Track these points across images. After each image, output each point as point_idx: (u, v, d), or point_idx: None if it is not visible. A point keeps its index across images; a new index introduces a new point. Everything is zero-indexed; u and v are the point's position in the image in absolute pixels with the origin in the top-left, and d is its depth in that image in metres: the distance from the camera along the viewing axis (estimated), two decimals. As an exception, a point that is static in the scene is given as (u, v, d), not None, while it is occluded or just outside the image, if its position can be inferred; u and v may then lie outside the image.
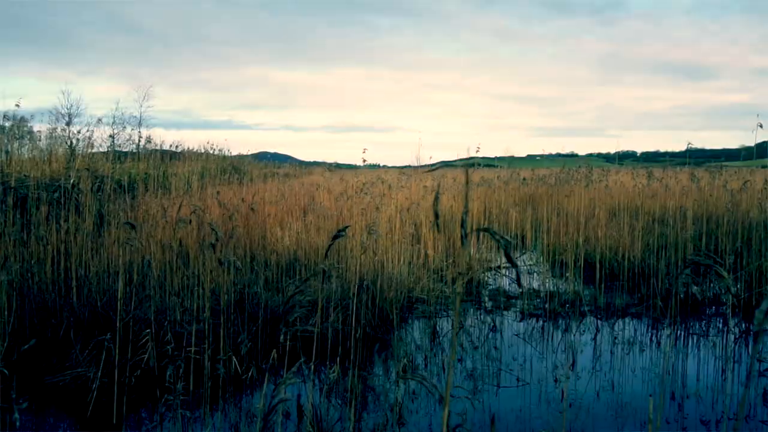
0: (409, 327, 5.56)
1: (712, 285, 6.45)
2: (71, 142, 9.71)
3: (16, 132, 22.72)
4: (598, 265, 7.08)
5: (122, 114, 15.29)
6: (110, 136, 12.78)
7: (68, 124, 10.35)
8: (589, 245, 7.76)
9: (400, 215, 6.78)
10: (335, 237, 2.64)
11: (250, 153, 27.75)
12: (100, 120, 12.06)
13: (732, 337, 5.27)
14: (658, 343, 5.11)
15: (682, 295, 6.15)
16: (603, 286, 6.69)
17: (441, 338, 5.27)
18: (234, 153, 21.73)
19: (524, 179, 13.73)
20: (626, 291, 6.65)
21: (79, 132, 10.42)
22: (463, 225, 1.02)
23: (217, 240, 3.26)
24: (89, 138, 12.12)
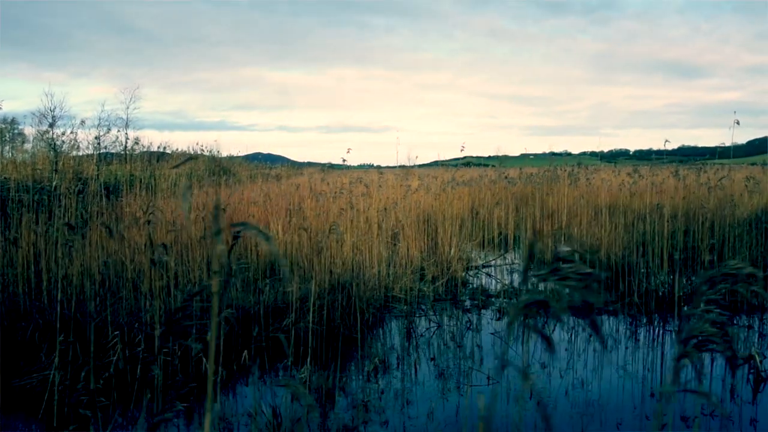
0: (386, 326, 5.56)
1: (690, 281, 6.46)
2: (54, 145, 9.65)
3: (6, 134, 22.65)
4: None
5: (108, 116, 15.26)
6: (96, 138, 12.73)
7: (51, 126, 10.33)
8: (570, 243, 7.78)
9: (378, 215, 6.78)
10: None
11: (243, 154, 27.75)
12: (83, 122, 12.01)
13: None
14: (634, 340, 5.13)
15: (660, 292, 6.17)
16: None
17: (417, 338, 5.27)
18: (227, 154, 21.71)
19: (507, 177, 13.75)
20: (606, 289, 6.66)
21: (63, 134, 10.36)
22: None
23: (155, 255, 3.23)
24: (75, 140, 12.09)
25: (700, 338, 0.87)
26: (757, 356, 4.13)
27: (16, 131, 21.36)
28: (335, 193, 8.68)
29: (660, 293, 6.15)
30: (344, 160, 8.03)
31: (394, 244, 7.15)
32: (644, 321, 5.67)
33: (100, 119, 13.41)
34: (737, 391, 3.96)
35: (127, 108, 13.94)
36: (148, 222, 4.55)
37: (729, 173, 9.92)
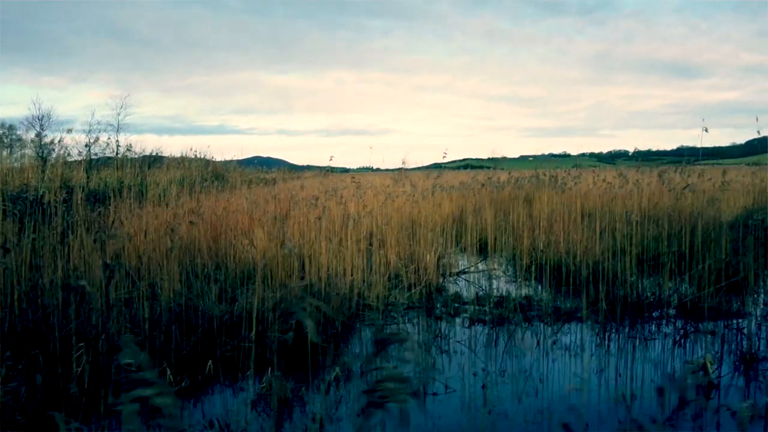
0: (356, 335, 5.63)
1: (660, 287, 6.53)
2: (42, 153, 9.75)
3: (4, 140, 22.77)
4: (555, 269, 7.18)
5: (98, 122, 15.37)
6: (86, 145, 12.84)
7: (38, 135, 10.42)
8: (548, 250, 7.86)
9: (353, 222, 6.86)
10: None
11: (243, 158, 27.86)
12: (70, 130, 12.10)
13: (670, 339, 5.36)
14: (597, 347, 5.20)
15: (629, 298, 6.24)
16: (558, 290, 6.80)
17: (386, 346, 5.33)
18: (228, 158, 21.83)
19: (495, 182, 13.81)
20: (577, 295, 6.72)
21: (51, 142, 10.46)
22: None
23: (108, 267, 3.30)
24: (64, 147, 12.19)
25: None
26: (709, 364, 4.20)
27: (14, 137, 21.48)
28: (316, 200, 8.76)
29: (628, 299, 6.22)
30: (330, 168, 8.13)
31: (370, 253, 7.24)
32: (610, 327, 5.74)
33: (90, 125, 13.53)
34: (693, 397, 4.03)
35: (118, 114, 14.06)
36: (104, 235, 4.62)
37: (701, 177, 9.95)
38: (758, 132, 8.97)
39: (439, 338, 5.49)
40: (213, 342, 4.89)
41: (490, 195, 11.60)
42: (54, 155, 10.40)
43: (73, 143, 12.51)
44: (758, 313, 5.94)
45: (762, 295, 6.13)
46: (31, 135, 10.89)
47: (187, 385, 4.22)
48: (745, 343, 4.87)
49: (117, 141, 13.98)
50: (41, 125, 10.45)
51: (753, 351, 4.67)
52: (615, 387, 4.25)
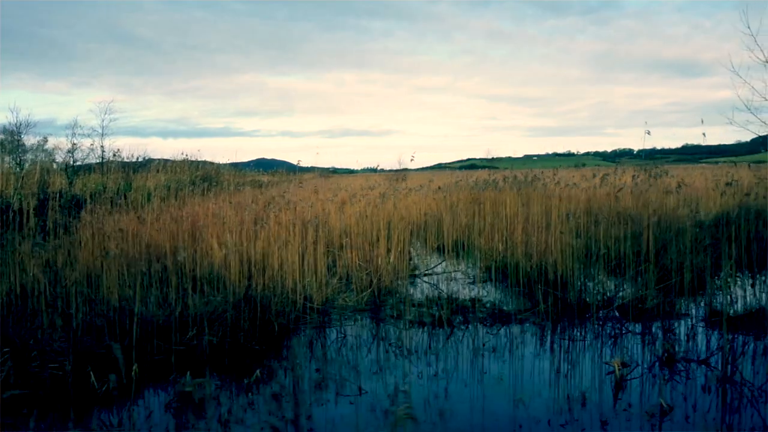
0: (296, 338, 5.73)
1: (605, 288, 6.58)
2: (19, 160, 9.94)
3: (7, 145, 23.06)
4: (513, 271, 7.23)
5: (80, 127, 15.57)
6: (69, 150, 13.06)
7: (17, 145, 10.56)
8: (507, 252, 7.92)
9: (303, 225, 6.98)
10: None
11: (248, 160, 28.06)
12: (46, 139, 12.29)
13: (601, 341, 5.42)
14: (525, 349, 5.27)
15: (569, 299, 6.30)
16: (511, 292, 6.86)
17: (319, 349, 5.44)
18: (235, 161, 22.00)
19: (465, 182, 13.88)
20: (526, 296, 6.79)
21: (29, 150, 10.65)
22: None
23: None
24: (49, 153, 12.39)
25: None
26: (615, 364, 4.27)
27: (17, 142, 21.74)
28: (288, 203, 8.88)
29: (569, 300, 6.28)
30: (298, 162, 8.20)
31: (327, 254, 7.35)
32: (546, 329, 5.80)
33: (74, 131, 13.73)
34: (595, 397, 4.10)
35: (102, 120, 14.27)
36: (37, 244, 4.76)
37: (659, 179, 9.92)
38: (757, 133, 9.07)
39: (376, 340, 5.58)
40: (148, 346, 5.01)
41: (458, 197, 11.64)
42: (31, 161, 10.59)
43: (57, 148, 12.76)
44: (696, 314, 5.99)
45: (705, 297, 6.16)
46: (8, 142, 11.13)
47: (109, 389, 4.33)
48: (667, 344, 4.92)
49: (102, 146, 14.20)
50: (19, 133, 10.65)
51: (670, 352, 4.73)
52: (522, 389, 4.32)
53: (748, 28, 8.95)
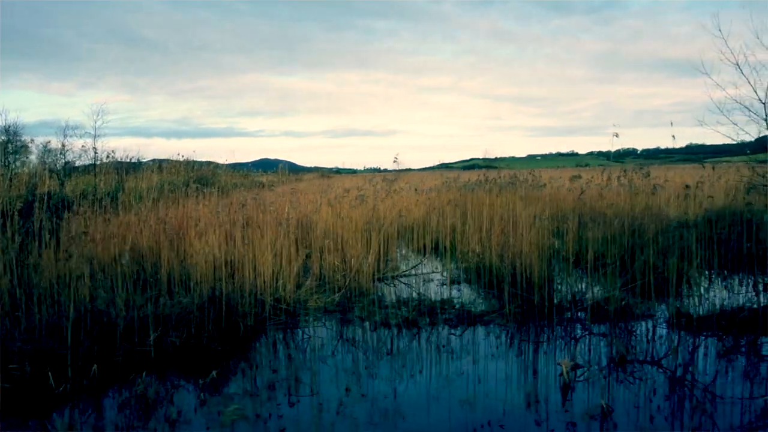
0: (262, 339, 5.79)
1: (573, 290, 6.61)
2: (8, 162, 10.05)
3: (10, 146, 23.22)
4: (487, 273, 7.26)
5: (71, 127, 15.67)
6: (60, 152, 13.16)
7: (6, 149, 10.66)
8: (484, 254, 7.95)
9: (278, 226, 7.03)
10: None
11: (252, 161, 28.20)
12: (32, 140, 12.40)
13: (563, 342, 5.45)
14: (487, 350, 5.30)
15: (535, 300, 6.33)
16: (485, 293, 6.89)
17: (289, 350, 5.50)
18: (239, 161, 22.09)
19: (453, 183, 13.91)
20: (496, 298, 6.82)
21: (16, 151, 10.76)
22: None
23: None
24: (40, 154, 12.52)
25: None
26: (564, 366, 4.30)
27: (19, 143, 21.92)
28: (271, 204, 8.94)
29: (534, 301, 6.30)
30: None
31: (298, 254, 7.40)
32: (511, 330, 5.83)
33: (65, 132, 13.84)
34: (542, 399, 4.14)
35: (95, 121, 14.39)
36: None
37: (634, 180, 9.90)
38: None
39: (340, 342, 5.63)
40: (112, 346, 5.08)
41: (447, 197, 11.68)
42: (22, 162, 10.73)
43: (48, 150, 12.88)
44: (661, 316, 6.01)
45: (670, 298, 6.17)
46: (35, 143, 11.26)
47: (67, 390, 4.39)
48: (620, 345, 4.95)
49: (94, 147, 14.33)
50: (8, 135, 10.76)
51: (623, 353, 4.75)
52: (475, 390, 4.36)
53: (720, 30, 8.91)
